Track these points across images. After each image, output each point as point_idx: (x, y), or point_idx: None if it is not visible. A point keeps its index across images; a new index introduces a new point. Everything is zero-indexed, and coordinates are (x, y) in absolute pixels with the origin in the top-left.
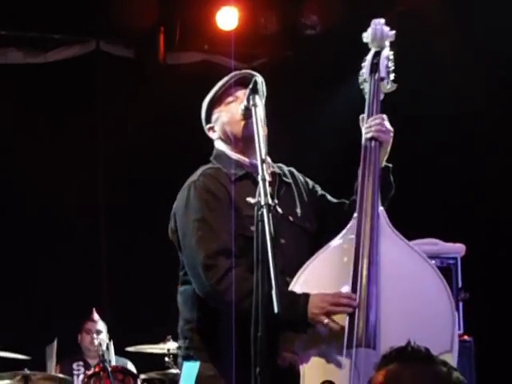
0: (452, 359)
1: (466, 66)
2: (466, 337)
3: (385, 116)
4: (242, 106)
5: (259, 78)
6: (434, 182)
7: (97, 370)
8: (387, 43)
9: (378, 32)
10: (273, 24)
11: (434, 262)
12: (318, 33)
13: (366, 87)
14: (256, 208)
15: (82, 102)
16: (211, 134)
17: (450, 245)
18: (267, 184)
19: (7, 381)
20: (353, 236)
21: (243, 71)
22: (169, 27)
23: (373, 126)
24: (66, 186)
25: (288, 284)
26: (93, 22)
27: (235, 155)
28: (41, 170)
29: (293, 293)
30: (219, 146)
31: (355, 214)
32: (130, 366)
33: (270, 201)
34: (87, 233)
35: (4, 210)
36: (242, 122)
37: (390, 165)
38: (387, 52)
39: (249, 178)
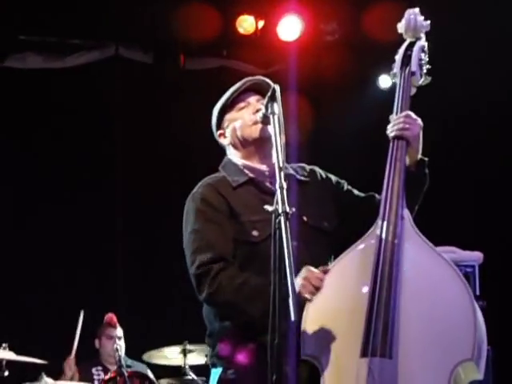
0: (475, 368)
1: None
2: None
3: (410, 112)
4: (261, 114)
5: (277, 86)
6: (452, 189)
7: (113, 375)
8: (422, 34)
9: (411, 22)
10: (292, 30)
11: None
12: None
13: (396, 82)
14: (273, 216)
15: (101, 107)
16: (222, 140)
17: (467, 253)
18: (285, 192)
19: None
20: (374, 240)
21: (255, 77)
22: (188, 33)
23: (396, 124)
24: (82, 186)
25: None
26: (112, 27)
27: (241, 161)
28: (56, 171)
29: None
30: (229, 152)
31: (378, 218)
32: (149, 373)
33: (287, 209)
34: (103, 237)
35: (21, 215)
36: (258, 126)
37: (426, 158)
38: (422, 43)
39: (252, 184)
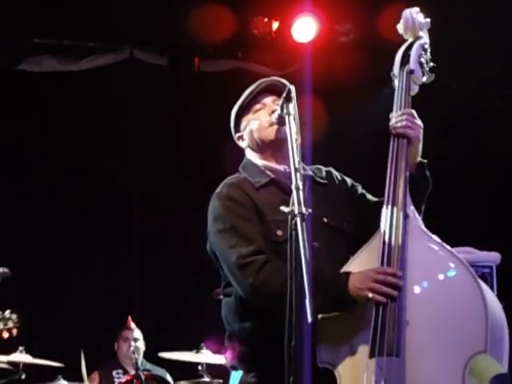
0: (493, 361)
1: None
2: None
3: (413, 111)
4: (276, 114)
5: (292, 86)
6: (470, 190)
7: (129, 377)
8: (422, 33)
9: (409, 21)
10: (307, 31)
11: None
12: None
13: (396, 82)
14: (290, 217)
15: (116, 110)
16: (241, 143)
17: (485, 253)
18: (301, 193)
19: None
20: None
21: (270, 78)
22: (203, 35)
23: (399, 121)
24: (99, 191)
25: None
26: (127, 29)
27: (262, 162)
28: (72, 173)
29: (332, 273)
30: (248, 154)
31: (382, 214)
32: (168, 377)
33: (303, 209)
34: (121, 240)
35: (39, 218)
36: (274, 127)
37: (425, 160)
38: (422, 42)
39: (273, 184)
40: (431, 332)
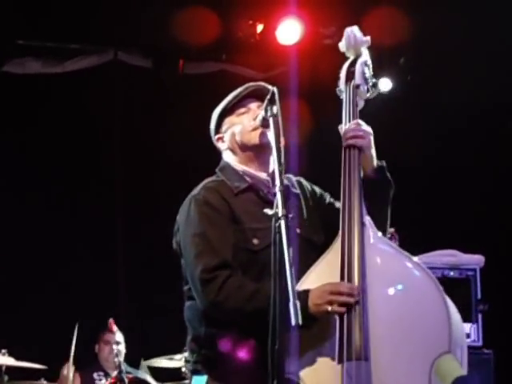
0: (455, 358)
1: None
2: (485, 349)
3: (360, 120)
4: (260, 117)
5: (276, 89)
6: (453, 194)
7: (113, 380)
8: (364, 49)
9: (351, 39)
10: (292, 34)
11: (452, 273)
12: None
13: (343, 97)
14: (274, 219)
15: (100, 112)
16: (220, 145)
17: (468, 256)
18: (285, 195)
19: None
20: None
21: (257, 83)
22: (187, 37)
23: (348, 132)
24: (83, 192)
25: None
26: (111, 31)
27: (241, 167)
28: (56, 175)
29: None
30: (226, 157)
31: (340, 228)
32: (149, 379)
33: (288, 212)
34: (104, 243)
35: (18, 220)
36: (258, 131)
37: (383, 163)
38: (364, 58)
39: (252, 190)
40: (396, 337)
